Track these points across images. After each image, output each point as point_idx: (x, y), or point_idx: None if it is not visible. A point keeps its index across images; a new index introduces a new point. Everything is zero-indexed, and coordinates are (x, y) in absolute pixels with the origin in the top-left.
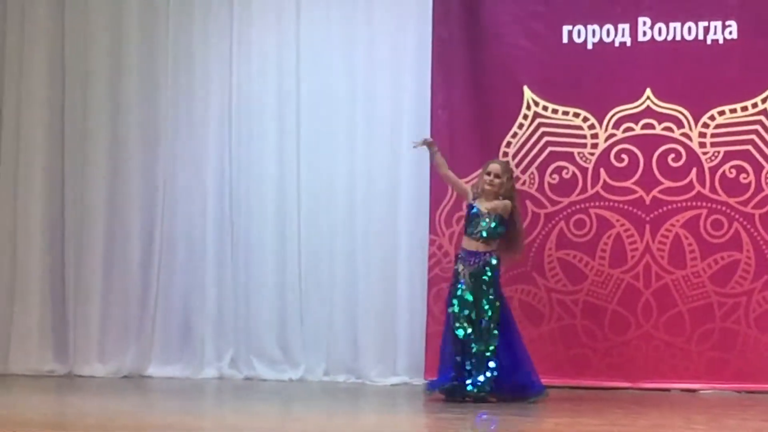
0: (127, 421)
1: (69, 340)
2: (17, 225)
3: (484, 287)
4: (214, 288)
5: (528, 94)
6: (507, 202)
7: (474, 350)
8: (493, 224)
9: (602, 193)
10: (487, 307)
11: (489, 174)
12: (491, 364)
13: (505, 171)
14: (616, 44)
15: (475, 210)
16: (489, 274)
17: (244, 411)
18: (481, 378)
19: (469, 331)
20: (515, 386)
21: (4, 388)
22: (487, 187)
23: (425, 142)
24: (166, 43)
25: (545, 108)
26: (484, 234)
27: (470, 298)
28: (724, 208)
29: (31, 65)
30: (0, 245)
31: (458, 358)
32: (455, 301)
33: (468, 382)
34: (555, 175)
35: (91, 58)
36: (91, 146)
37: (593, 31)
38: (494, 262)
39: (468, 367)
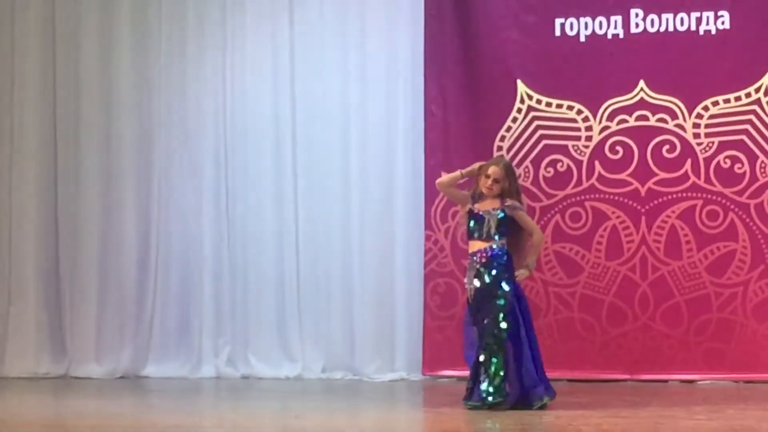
0: (128, 422)
1: (65, 342)
2: (12, 228)
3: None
4: (211, 287)
5: (521, 87)
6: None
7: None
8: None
9: (597, 185)
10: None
11: (488, 177)
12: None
13: (507, 175)
14: (609, 36)
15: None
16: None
17: (243, 409)
18: None
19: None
20: None
21: (0, 391)
22: (485, 191)
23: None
24: (159, 45)
25: (539, 101)
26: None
27: None
28: (719, 199)
29: (23, 71)
30: None
31: None
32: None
33: None
34: (550, 169)
35: (82, 65)
36: (84, 147)
37: (585, 24)
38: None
39: None
